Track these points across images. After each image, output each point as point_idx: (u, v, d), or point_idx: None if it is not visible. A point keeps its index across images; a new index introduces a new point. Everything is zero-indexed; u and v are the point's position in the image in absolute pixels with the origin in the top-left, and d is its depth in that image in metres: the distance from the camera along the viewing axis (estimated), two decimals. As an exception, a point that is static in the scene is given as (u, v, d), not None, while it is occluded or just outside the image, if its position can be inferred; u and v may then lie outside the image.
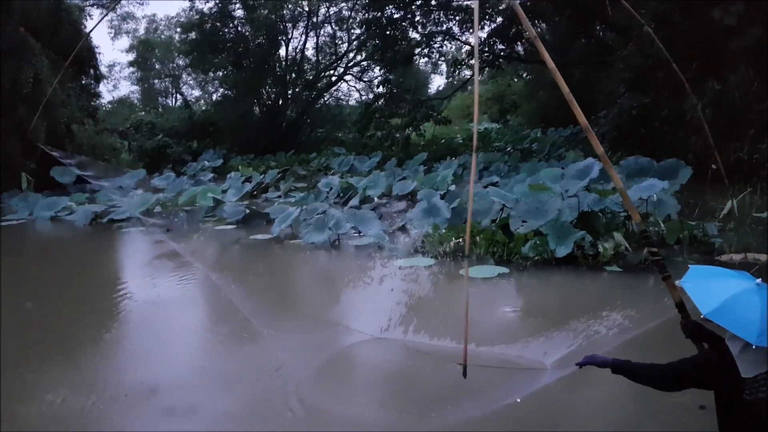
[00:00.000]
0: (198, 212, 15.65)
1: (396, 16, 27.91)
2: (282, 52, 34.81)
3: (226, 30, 32.58)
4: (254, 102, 34.65)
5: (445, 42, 31.42)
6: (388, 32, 27.82)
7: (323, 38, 36.82)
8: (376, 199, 15.62)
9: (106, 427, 4.55)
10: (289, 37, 34.71)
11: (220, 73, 34.90)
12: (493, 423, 4.32)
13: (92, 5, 27.49)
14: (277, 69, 34.53)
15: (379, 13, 27.72)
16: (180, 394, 5.06)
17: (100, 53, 26.68)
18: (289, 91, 35.39)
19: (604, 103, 19.03)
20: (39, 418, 4.66)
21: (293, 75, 35.47)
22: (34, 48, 19.51)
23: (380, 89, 31.84)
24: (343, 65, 37.70)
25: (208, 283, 8.91)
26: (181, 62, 40.42)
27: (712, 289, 2.51)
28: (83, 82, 25.71)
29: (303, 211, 12.38)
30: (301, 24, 34.77)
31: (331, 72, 37.69)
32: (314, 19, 35.01)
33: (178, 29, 36.92)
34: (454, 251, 9.51)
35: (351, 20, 35.05)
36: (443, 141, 30.72)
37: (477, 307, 6.86)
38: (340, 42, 37.17)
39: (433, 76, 50.48)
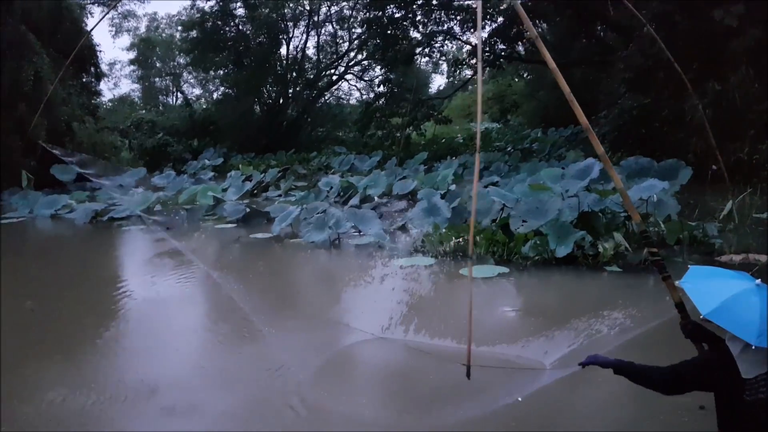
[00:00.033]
0: (198, 211, 15.65)
1: (397, 15, 27.93)
2: (283, 50, 34.89)
3: (227, 28, 32.58)
4: (255, 101, 34.66)
5: (446, 42, 31.52)
6: (389, 31, 27.83)
7: (324, 37, 36.89)
8: (376, 198, 15.62)
9: (106, 426, 4.55)
10: (290, 35, 34.76)
11: (221, 72, 34.90)
12: (493, 422, 4.32)
13: (93, 3, 27.53)
14: (278, 68, 34.53)
15: (380, 13, 27.73)
16: (180, 393, 5.06)
17: (101, 51, 26.72)
18: (290, 90, 35.40)
19: (604, 104, 19.02)
20: (39, 417, 4.66)
21: (294, 74, 35.48)
22: (35, 46, 19.50)
23: (381, 88, 31.85)
24: (344, 64, 37.73)
25: (208, 282, 8.92)
26: (181, 60, 40.43)
27: (712, 290, 2.52)
28: (84, 80, 25.71)
29: (303, 210, 12.39)
30: (302, 23, 34.80)
31: (332, 71, 37.70)
32: (315, 18, 35.02)
33: (179, 27, 36.98)
34: (454, 251, 9.52)
35: (352, 19, 35.08)
36: (444, 140, 30.73)
37: (477, 307, 6.81)
38: (341, 41, 37.22)
39: (433, 75, 50.59)
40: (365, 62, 36.68)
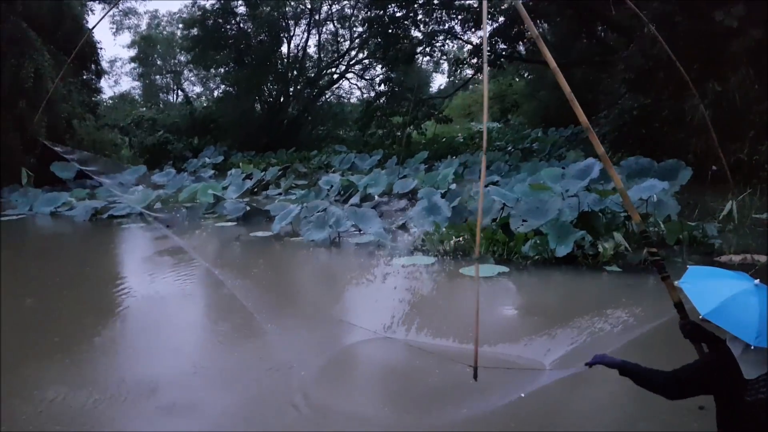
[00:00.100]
0: (198, 209, 15.66)
1: (398, 14, 27.93)
2: (284, 49, 34.89)
3: (228, 27, 32.55)
4: (256, 99, 34.67)
5: (447, 41, 31.49)
6: (390, 30, 27.82)
7: (325, 36, 36.91)
8: (376, 197, 15.63)
9: (106, 426, 4.55)
10: (291, 34, 34.76)
11: (222, 70, 34.89)
12: (494, 421, 4.33)
13: (94, 0, 27.45)
14: (279, 66, 34.53)
15: (382, 12, 27.72)
16: (181, 391, 5.07)
17: (101, 48, 26.62)
18: (291, 89, 35.40)
19: (605, 104, 19.03)
20: (38, 416, 4.65)
21: (295, 72, 35.49)
22: (35, 43, 19.49)
23: (382, 87, 31.88)
24: (345, 63, 37.73)
25: (208, 280, 8.93)
26: (182, 58, 40.41)
27: (711, 290, 2.52)
28: (84, 77, 25.70)
29: (303, 209, 12.39)
30: (303, 21, 34.80)
31: (333, 70, 37.71)
32: (316, 17, 35.02)
33: (180, 25, 36.96)
34: (454, 250, 9.54)
35: (353, 18, 35.10)
36: (444, 140, 30.73)
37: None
38: (342, 40, 37.23)
39: (434, 74, 50.65)
40: (366, 61, 36.73)
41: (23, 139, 18.73)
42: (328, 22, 36.04)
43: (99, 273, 10.19)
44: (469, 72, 33.56)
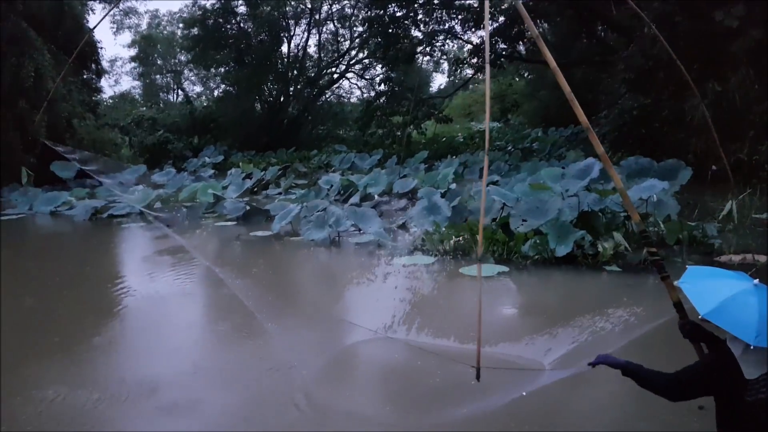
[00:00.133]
0: (198, 208, 15.66)
1: (398, 14, 27.92)
2: (284, 49, 34.92)
3: (229, 26, 32.56)
4: (256, 99, 34.68)
5: (447, 41, 31.51)
6: (390, 30, 27.82)
7: (325, 35, 36.92)
8: (376, 196, 15.64)
9: (106, 425, 4.55)
10: (292, 34, 34.77)
11: (222, 70, 34.90)
12: (495, 421, 4.34)
13: (94, 0, 27.43)
14: (279, 66, 34.53)
15: (382, 11, 27.71)
16: (181, 390, 5.07)
17: (102, 48, 26.63)
18: (291, 88, 35.41)
19: (605, 104, 19.04)
20: (39, 416, 4.65)
21: (295, 72, 35.49)
22: (36, 42, 19.49)
23: (382, 87, 31.88)
24: (345, 63, 37.74)
25: (208, 280, 8.94)
26: (183, 58, 40.41)
27: (710, 290, 2.52)
28: (84, 76, 25.69)
29: (303, 208, 12.39)
30: (304, 21, 34.82)
31: (333, 69, 37.72)
32: (316, 17, 35.03)
33: (181, 25, 36.93)
34: (454, 249, 9.54)
35: (353, 18, 35.11)
36: (444, 139, 30.74)
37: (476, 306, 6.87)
38: (342, 39, 37.24)
39: (434, 74, 50.67)
40: (366, 61, 36.75)
41: (23, 138, 18.73)
42: (329, 22, 36.09)
43: (99, 272, 10.19)
44: (469, 72, 33.58)
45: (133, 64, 44.09)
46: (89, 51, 24.27)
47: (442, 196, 12.33)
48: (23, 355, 5.96)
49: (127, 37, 76.77)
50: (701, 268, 2.83)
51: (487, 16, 4.22)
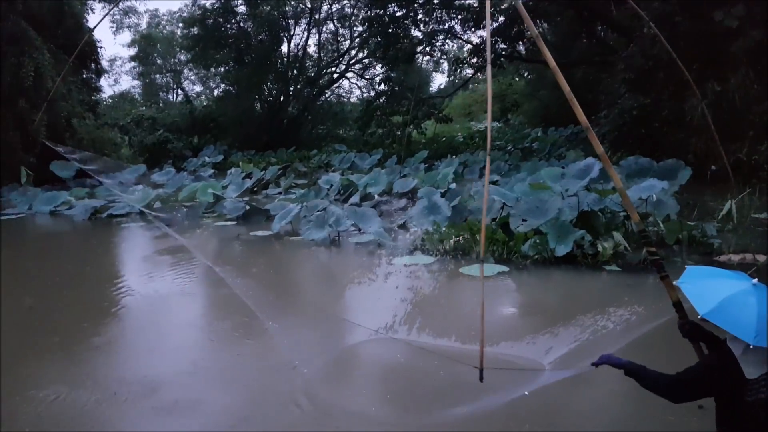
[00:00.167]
0: (198, 208, 15.66)
1: (398, 14, 27.92)
2: (284, 48, 34.91)
3: (229, 26, 32.55)
4: (255, 98, 34.66)
5: (447, 40, 31.50)
6: (390, 30, 27.82)
7: (325, 35, 36.93)
8: (376, 196, 15.64)
9: (107, 425, 4.55)
10: (291, 33, 34.77)
11: (222, 69, 34.88)
12: (496, 420, 4.34)
13: (94, -1, 27.40)
14: (279, 65, 34.53)
15: (382, 11, 27.71)
16: (181, 390, 5.07)
17: (101, 47, 26.58)
18: (291, 88, 35.41)
19: (605, 103, 19.01)
20: (39, 416, 4.65)
21: (295, 71, 35.48)
22: (35, 41, 19.48)
23: (382, 87, 31.86)
24: (345, 62, 37.75)
25: (208, 280, 8.93)
26: (182, 57, 40.38)
27: (709, 290, 2.53)
28: (84, 76, 25.68)
29: (303, 208, 12.40)
30: (304, 21, 34.81)
31: (333, 69, 37.73)
32: (316, 16, 35.03)
33: (180, 24, 36.93)
34: (454, 249, 9.55)
35: (353, 17, 35.10)
36: (444, 139, 30.76)
37: (477, 306, 6.87)
38: (342, 39, 37.25)
39: (434, 74, 50.66)
40: (366, 60, 36.76)
41: (23, 137, 18.72)
42: (328, 22, 36.10)
43: (99, 272, 10.19)
44: (469, 72, 33.57)
45: (132, 64, 44.12)
46: (89, 50, 24.25)
47: (442, 195, 12.34)
48: (23, 354, 5.95)
49: (126, 36, 76.84)
50: (700, 267, 2.84)
51: (488, 16, 4.23)
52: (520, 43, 26.52)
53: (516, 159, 20.67)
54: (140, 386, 5.07)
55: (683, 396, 2.64)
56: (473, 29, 27.67)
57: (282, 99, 35.16)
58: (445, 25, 28.74)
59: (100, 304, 7.94)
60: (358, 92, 39.76)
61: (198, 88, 43.94)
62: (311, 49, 36.68)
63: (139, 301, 7.98)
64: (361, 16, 32.99)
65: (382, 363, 5.57)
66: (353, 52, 37.32)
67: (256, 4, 31.33)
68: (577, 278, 8.25)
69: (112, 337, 6.68)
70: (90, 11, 27.02)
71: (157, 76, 45.35)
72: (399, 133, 28.80)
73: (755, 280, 2.51)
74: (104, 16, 36.65)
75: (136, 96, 45.44)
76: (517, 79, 39.52)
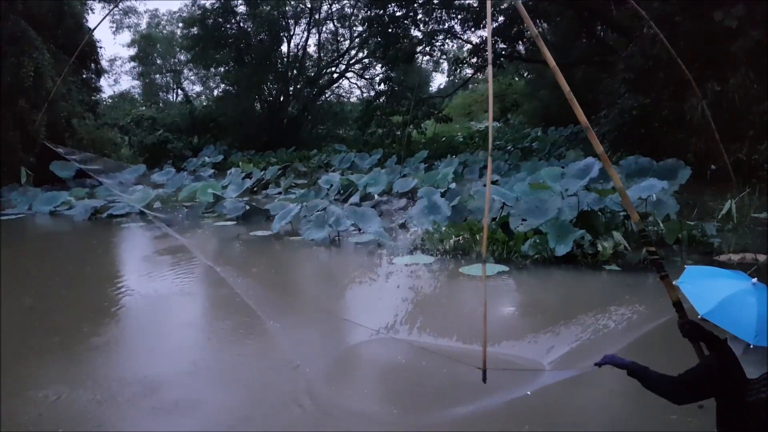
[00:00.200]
0: (198, 208, 15.67)
1: (398, 13, 27.93)
2: (284, 48, 34.93)
3: (228, 26, 32.56)
4: (255, 98, 34.67)
5: (447, 40, 31.50)
6: (390, 30, 27.82)
7: (325, 35, 36.94)
8: (376, 196, 15.64)
9: (107, 425, 4.55)
10: (291, 33, 34.77)
11: (222, 69, 34.89)
12: (497, 420, 4.34)
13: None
14: (279, 65, 34.53)
15: (381, 11, 27.71)
16: (182, 390, 5.07)
17: (101, 47, 26.60)
18: (291, 88, 35.41)
19: (604, 103, 19.02)
20: (39, 416, 4.65)
21: (295, 71, 35.49)
22: (35, 41, 19.49)
23: (382, 87, 31.86)
24: (345, 62, 37.76)
25: (208, 279, 8.93)
26: (182, 57, 40.38)
27: (709, 290, 2.53)
28: (84, 76, 25.69)
29: (303, 208, 12.40)
30: (303, 21, 34.82)
31: (333, 69, 37.74)
32: (316, 16, 35.04)
33: (180, 24, 36.94)
34: (454, 249, 9.55)
35: (353, 17, 35.10)
36: (444, 139, 30.77)
37: (477, 305, 6.89)
38: (342, 39, 37.26)
39: (434, 74, 50.67)
40: (366, 60, 36.77)
41: (23, 138, 18.72)
42: (328, 22, 36.11)
43: (98, 272, 10.19)
44: (468, 71, 33.58)
45: (132, 64, 44.10)
46: (89, 50, 24.26)
47: (442, 195, 12.34)
48: (23, 354, 5.95)
49: (126, 36, 76.79)
50: (699, 267, 2.84)
51: (489, 15, 4.22)
52: (520, 42, 26.52)
53: (516, 159, 20.68)
54: (140, 386, 5.07)
55: (685, 398, 2.64)
56: (473, 29, 27.71)
57: (282, 99, 35.17)
58: (444, 25, 28.76)
59: (100, 304, 7.94)
60: (358, 92, 39.87)
61: (198, 88, 44.00)
62: (311, 49, 36.79)
63: (139, 301, 7.98)
64: (360, 16, 33.03)
65: (383, 363, 5.57)
66: (353, 52, 37.37)
67: (256, 4, 31.34)
68: (577, 278, 8.25)
69: (112, 337, 6.68)
70: (90, 11, 27.07)
71: (157, 76, 45.34)
72: (399, 133, 28.81)
73: (755, 280, 2.51)
74: (104, 18, 36.68)
75: (136, 96, 45.44)
76: (516, 78, 39.53)
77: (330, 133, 35.95)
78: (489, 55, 4.26)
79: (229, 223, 13.81)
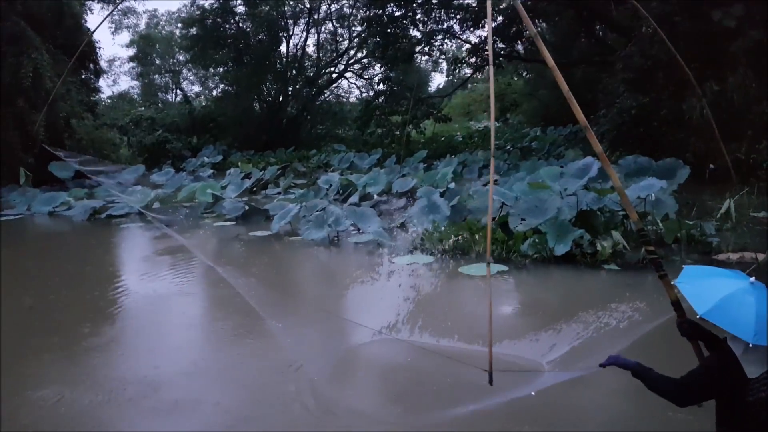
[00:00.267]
0: (197, 208, 15.66)
1: (397, 13, 27.93)
2: (283, 48, 34.95)
3: (227, 26, 32.58)
4: (255, 98, 34.67)
5: (446, 40, 31.51)
6: (389, 30, 27.83)
7: (324, 35, 36.94)
8: (375, 196, 15.64)
9: (107, 425, 4.55)
10: (290, 33, 34.78)
11: (221, 69, 34.91)
12: (499, 419, 4.35)
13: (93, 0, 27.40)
14: (278, 65, 34.54)
15: (380, 11, 27.73)
16: (182, 389, 5.08)
17: (100, 48, 26.66)
18: (290, 88, 35.42)
19: (603, 103, 19.03)
20: (39, 416, 4.65)
21: (294, 71, 35.49)
22: (35, 41, 19.48)
23: (381, 86, 31.89)
24: (344, 62, 37.78)
25: (207, 280, 8.94)
26: (181, 58, 40.40)
27: (707, 289, 2.53)
28: (83, 76, 25.70)
29: (302, 208, 12.40)
30: (303, 21, 34.85)
31: (332, 69, 37.76)
32: (315, 16, 35.04)
33: (179, 25, 36.93)
34: (453, 249, 9.56)
35: (352, 17, 35.11)
36: (443, 139, 30.78)
37: (477, 305, 6.91)
38: (341, 39, 37.28)
39: (433, 74, 50.69)
40: (365, 60, 36.80)
41: (22, 138, 18.72)
42: (327, 22, 36.12)
43: (98, 272, 10.18)
44: (467, 71, 33.58)
45: (131, 64, 44.14)
46: (88, 51, 24.28)
47: (441, 195, 12.35)
48: (23, 354, 5.96)
49: (125, 36, 76.74)
50: (697, 267, 2.84)
51: (489, 15, 4.23)
52: (519, 42, 26.53)
53: (515, 158, 20.69)
54: (140, 386, 5.08)
55: (688, 400, 2.64)
56: (472, 29, 27.71)
57: (281, 99, 35.17)
58: (443, 24, 28.77)
59: (100, 304, 7.94)
60: (357, 92, 39.90)
61: (197, 88, 43.99)
62: (310, 49, 36.80)
63: (139, 301, 7.98)
64: (359, 16, 33.04)
65: (383, 362, 5.57)
66: (352, 52, 37.37)
67: (255, 4, 31.34)
68: (576, 277, 8.26)
69: (112, 337, 6.68)
70: (89, 11, 27.07)
71: (156, 76, 45.35)
72: (398, 132, 28.83)
73: (753, 279, 2.51)
74: (104, 19, 36.66)
75: (135, 96, 45.47)
76: (516, 78, 39.57)
77: (329, 133, 35.97)
78: (490, 54, 4.25)
79: (228, 223, 13.81)
